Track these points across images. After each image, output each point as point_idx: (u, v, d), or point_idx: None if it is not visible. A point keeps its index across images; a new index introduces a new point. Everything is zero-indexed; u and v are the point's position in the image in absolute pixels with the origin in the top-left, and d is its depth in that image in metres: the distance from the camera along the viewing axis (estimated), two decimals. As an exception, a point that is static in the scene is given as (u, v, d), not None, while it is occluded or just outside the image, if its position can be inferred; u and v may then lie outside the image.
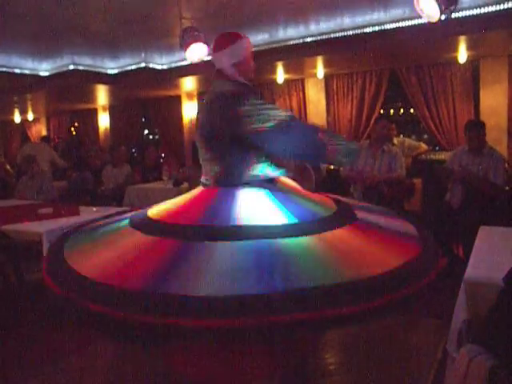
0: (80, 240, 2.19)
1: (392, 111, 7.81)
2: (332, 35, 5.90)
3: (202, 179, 2.23)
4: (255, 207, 2.01)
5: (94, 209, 4.20)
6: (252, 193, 2.11)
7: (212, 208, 2.04)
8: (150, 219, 2.10)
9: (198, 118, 2.25)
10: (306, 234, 1.83)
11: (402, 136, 7.10)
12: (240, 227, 1.85)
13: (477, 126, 4.27)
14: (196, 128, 2.25)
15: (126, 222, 2.16)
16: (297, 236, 1.80)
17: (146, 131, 11.22)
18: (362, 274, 1.60)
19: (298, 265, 1.65)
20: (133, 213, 2.33)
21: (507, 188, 4.19)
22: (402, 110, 7.76)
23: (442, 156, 6.35)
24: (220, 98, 2.13)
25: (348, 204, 2.31)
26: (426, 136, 7.36)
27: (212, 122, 2.14)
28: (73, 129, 11.81)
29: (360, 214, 2.16)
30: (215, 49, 2.26)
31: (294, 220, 1.92)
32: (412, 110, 7.41)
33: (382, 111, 7.58)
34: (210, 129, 2.15)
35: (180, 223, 1.97)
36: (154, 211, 2.18)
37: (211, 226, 1.89)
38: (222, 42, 2.25)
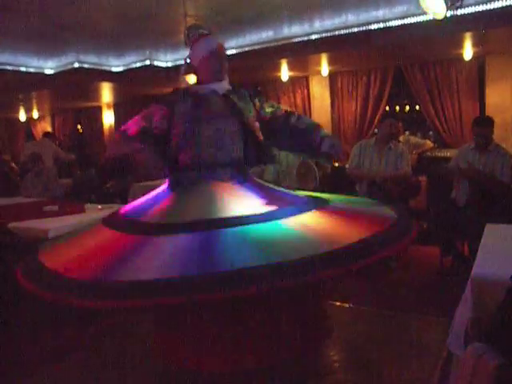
0: (56, 239, 2.41)
1: (398, 108, 7.77)
2: (336, 32, 5.87)
3: None
4: (229, 199, 2.09)
5: (99, 206, 4.21)
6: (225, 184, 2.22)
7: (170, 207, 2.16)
8: (118, 216, 2.25)
9: None
10: (277, 219, 1.92)
11: (407, 133, 7.08)
12: (206, 220, 1.93)
13: (485, 122, 4.24)
14: None
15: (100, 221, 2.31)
16: (267, 221, 1.90)
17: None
18: (334, 246, 1.73)
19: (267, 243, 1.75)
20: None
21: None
22: (407, 108, 7.72)
23: (448, 153, 6.32)
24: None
25: (323, 199, 2.40)
26: (431, 133, 7.32)
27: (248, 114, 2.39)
28: (78, 126, 11.82)
29: (333, 203, 2.29)
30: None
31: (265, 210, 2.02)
32: (418, 108, 7.38)
33: (387, 108, 7.56)
34: None
35: (141, 220, 2.09)
36: (126, 207, 2.34)
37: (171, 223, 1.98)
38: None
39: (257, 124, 2.39)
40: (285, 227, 1.90)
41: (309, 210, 2.09)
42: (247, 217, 1.94)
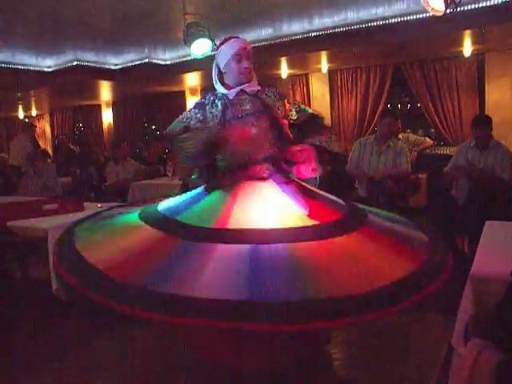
0: (91, 230, 2.25)
1: (399, 106, 7.77)
2: (336, 30, 5.87)
3: None
4: (260, 206, 2.04)
5: (99, 205, 4.20)
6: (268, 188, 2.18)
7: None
8: (159, 214, 2.17)
9: None
10: (306, 240, 1.85)
11: (408, 131, 7.09)
12: (240, 231, 1.89)
13: (483, 123, 4.22)
14: None
15: (136, 215, 2.22)
16: (298, 241, 1.83)
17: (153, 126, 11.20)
18: (341, 292, 1.62)
19: (286, 276, 1.68)
20: (143, 206, 2.39)
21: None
22: (407, 105, 7.71)
23: (447, 151, 6.33)
24: None
25: (360, 209, 2.33)
26: (432, 130, 7.31)
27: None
28: (77, 125, 11.81)
29: (371, 218, 2.20)
30: None
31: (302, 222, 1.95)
32: (418, 105, 7.38)
33: (389, 106, 7.55)
34: None
35: (183, 222, 2.02)
36: (164, 205, 2.26)
37: (215, 229, 1.93)
38: None
39: (286, 121, 2.39)
40: (327, 251, 1.84)
41: (352, 228, 2.01)
42: (294, 230, 1.90)
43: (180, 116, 2.44)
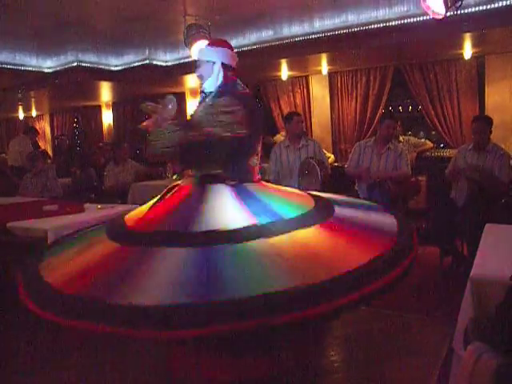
0: (58, 248, 2.30)
1: (399, 108, 7.77)
2: (336, 32, 5.87)
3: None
4: (221, 208, 2.05)
5: (99, 206, 4.21)
6: (223, 190, 2.16)
7: (180, 211, 2.10)
8: (120, 225, 2.19)
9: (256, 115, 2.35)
10: (267, 236, 1.86)
11: (409, 133, 7.09)
12: (200, 233, 1.89)
13: (482, 120, 4.27)
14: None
15: (103, 228, 2.25)
16: (257, 238, 1.84)
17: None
18: (307, 280, 1.63)
19: (243, 273, 1.68)
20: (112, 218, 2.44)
21: (512, 185, 4.17)
22: (407, 108, 7.72)
23: (447, 153, 6.33)
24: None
25: (328, 200, 2.36)
26: (433, 132, 7.31)
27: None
28: (77, 126, 11.82)
29: (338, 210, 2.23)
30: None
31: (263, 220, 1.96)
32: (419, 107, 7.38)
33: (390, 108, 7.56)
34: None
35: (143, 230, 2.05)
36: (131, 215, 2.28)
37: (170, 232, 1.94)
38: None
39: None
40: (284, 247, 1.84)
41: (313, 222, 2.03)
42: (246, 229, 1.90)
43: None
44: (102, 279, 1.76)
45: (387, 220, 2.25)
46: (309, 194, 2.46)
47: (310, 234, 1.95)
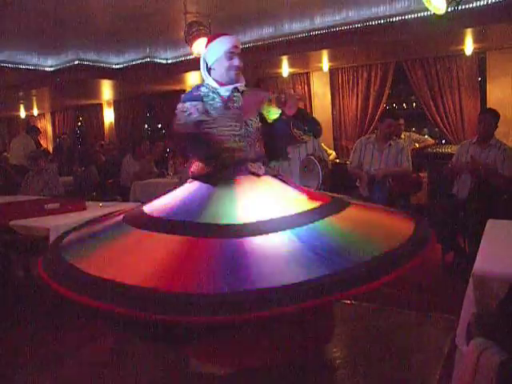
0: (81, 241, 2.21)
1: (400, 104, 7.76)
2: (337, 28, 5.87)
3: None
4: (264, 199, 2.08)
5: (100, 204, 4.20)
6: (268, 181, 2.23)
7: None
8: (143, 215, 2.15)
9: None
10: (324, 217, 1.95)
11: (414, 129, 7.10)
12: (249, 224, 1.89)
13: (489, 112, 4.29)
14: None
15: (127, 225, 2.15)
16: (319, 219, 1.92)
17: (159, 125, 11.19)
18: (392, 244, 1.79)
19: (339, 244, 1.78)
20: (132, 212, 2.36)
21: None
22: (411, 104, 7.71)
23: (449, 149, 6.32)
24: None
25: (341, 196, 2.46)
26: (436, 129, 7.31)
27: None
28: (78, 124, 11.84)
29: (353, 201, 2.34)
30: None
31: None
32: (420, 103, 7.36)
33: (390, 105, 7.55)
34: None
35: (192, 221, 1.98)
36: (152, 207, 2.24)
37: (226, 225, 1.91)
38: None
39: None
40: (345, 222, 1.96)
41: (346, 205, 2.14)
42: (302, 214, 1.97)
43: (179, 111, 2.31)
44: (151, 268, 1.71)
45: (401, 213, 2.37)
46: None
47: (353, 211, 2.10)
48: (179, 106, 2.32)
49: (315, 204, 2.08)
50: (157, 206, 2.25)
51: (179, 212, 2.09)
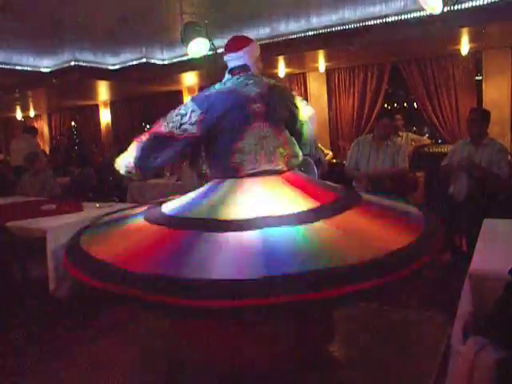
0: (100, 232, 2.33)
1: (396, 104, 7.78)
2: (333, 29, 5.87)
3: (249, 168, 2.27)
4: (271, 197, 2.13)
5: (97, 205, 4.20)
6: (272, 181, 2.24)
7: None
8: (163, 214, 2.24)
9: (263, 104, 2.32)
10: (315, 221, 1.95)
11: (414, 129, 7.11)
12: (248, 220, 1.95)
13: (477, 111, 4.29)
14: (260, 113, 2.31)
15: (140, 217, 2.29)
16: (304, 223, 1.93)
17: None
18: (365, 256, 1.73)
19: (297, 251, 1.77)
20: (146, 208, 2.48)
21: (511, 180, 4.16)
22: (406, 103, 7.72)
23: (445, 149, 6.33)
24: (284, 89, 2.54)
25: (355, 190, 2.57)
26: (433, 129, 7.31)
27: (284, 109, 2.42)
28: (75, 125, 11.81)
29: (366, 197, 2.37)
30: (237, 47, 2.45)
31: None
32: (416, 104, 7.38)
33: (386, 105, 7.57)
34: (281, 115, 2.40)
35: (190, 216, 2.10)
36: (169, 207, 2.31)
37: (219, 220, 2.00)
38: (241, 41, 2.48)
39: None
40: (329, 230, 1.94)
41: (351, 205, 2.15)
42: (296, 215, 1.99)
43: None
44: (167, 257, 1.83)
45: (412, 208, 2.40)
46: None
47: (350, 216, 2.07)
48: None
49: (314, 204, 2.08)
50: (174, 203, 2.35)
51: (181, 208, 2.22)
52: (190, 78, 8.14)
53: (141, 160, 2.29)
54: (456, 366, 1.70)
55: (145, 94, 9.66)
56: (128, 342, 2.91)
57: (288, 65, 7.24)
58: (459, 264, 3.93)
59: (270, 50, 6.28)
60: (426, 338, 2.73)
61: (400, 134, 6.19)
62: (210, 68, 6.08)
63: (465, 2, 4.88)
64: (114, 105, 10.65)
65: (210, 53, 5.04)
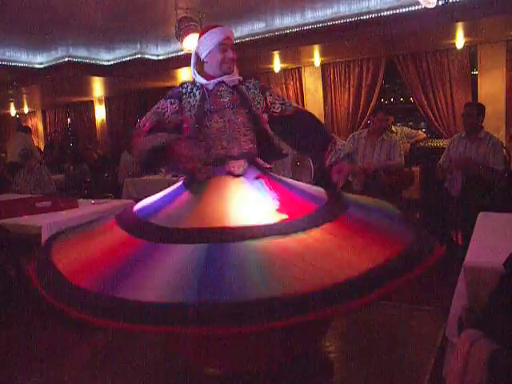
0: (70, 233, 2.29)
1: (392, 99, 7.77)
2: (328, 23, 5.85)
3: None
4: (229, 204, 2.02)
5: (92, 201, 4.20)
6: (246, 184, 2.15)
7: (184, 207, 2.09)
8: (131, 213, 2.19)
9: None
10: (271, 235, 1.81)
11: (399, 124, 7.10)
12: (203, 230, 1.87)
13: (471, 105, 4.31)
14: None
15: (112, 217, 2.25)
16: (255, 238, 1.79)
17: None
18: (297, 288, 1.58)
19: (240, 276, 1.65)
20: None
21: (506, 174, 4.18)
22: (401, 98, 7.72)
23: (440, 143, 6.34)
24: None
25: (342, 197, 2.28)
26: (429, 124, 7.32)
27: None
28: (70, 121, 11.76)
29: (351, 210, 2.12)
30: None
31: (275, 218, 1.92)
32: (412, 98, 7.38)
33: (382, 99, 7.55)
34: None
35: (151, 222, 2.03)
36: (141, 204, 2.27)
37: (178, 229, 1.92)
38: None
39: (265, 116, 2.34)
40: (290, 247, 1.78)
41: (322, 222, 1.93)
42: (257, 228, 1.85)
43: (155, 106, 2.32)
44: (110, 273, 1.79)
45: (401, 224, 2.13)
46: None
47: (319, 234, 1.88)
48: (160, 102, 2.32)
49: (280, 217, 1.92)
50: (143, 203, 2.29)
51: (146, 212, 2.15)
52: (185, 74, 8.11)
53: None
54: (451, 358, 1.71)
55: (140, 90, 9.62)
56: (128, 342, 2.90)
57: (283, 60, 7.22)
58: (455, 257, 3.95)
59: (265, 44, 6.28)
60: (421, 331, 2.74)
61: (394, 130, 6.19)
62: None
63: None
64: (108, 101, 10.60)
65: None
